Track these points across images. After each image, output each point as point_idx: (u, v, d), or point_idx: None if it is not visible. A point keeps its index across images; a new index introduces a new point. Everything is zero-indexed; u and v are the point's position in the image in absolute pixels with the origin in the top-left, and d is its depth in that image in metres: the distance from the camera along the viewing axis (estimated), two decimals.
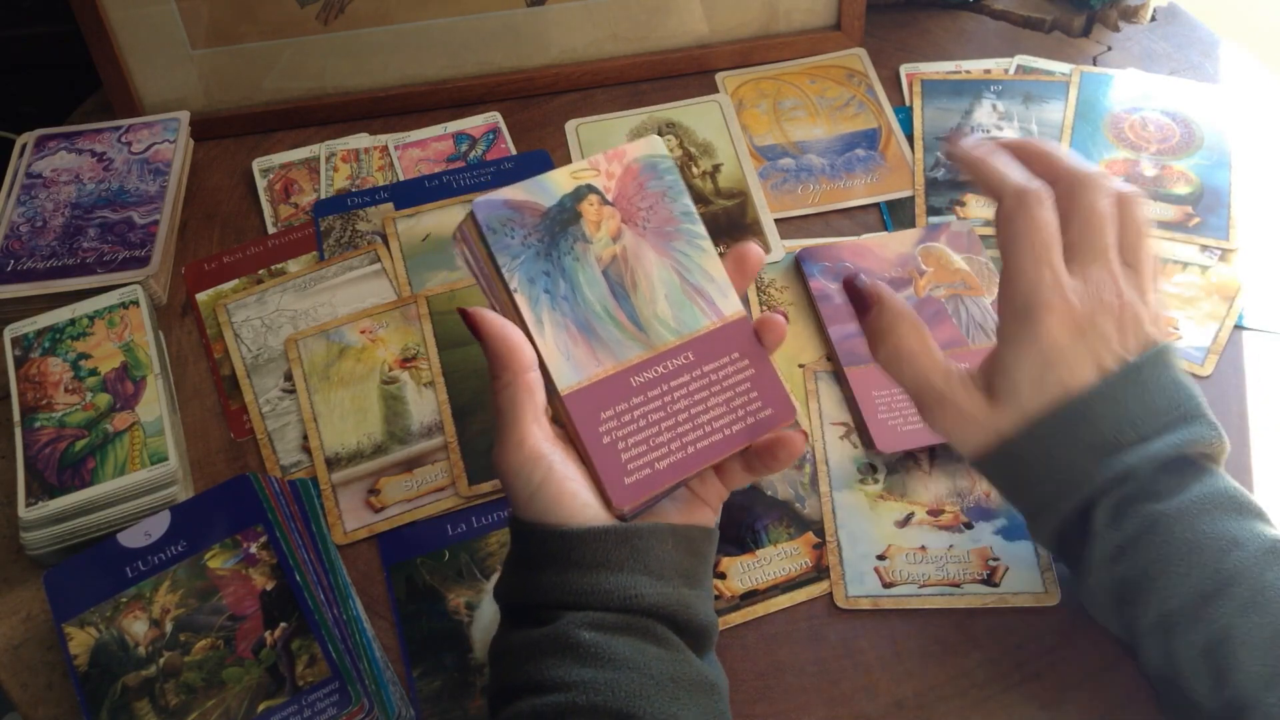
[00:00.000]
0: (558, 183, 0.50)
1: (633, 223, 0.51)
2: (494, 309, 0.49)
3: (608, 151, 0.52)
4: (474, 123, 0.81)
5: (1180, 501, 0.45)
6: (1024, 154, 0.50)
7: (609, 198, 0.51)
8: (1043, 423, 0.47)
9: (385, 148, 0.80)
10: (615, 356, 0.48)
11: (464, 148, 0.80)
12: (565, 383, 0.46)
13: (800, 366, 0.65)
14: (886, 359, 0.50)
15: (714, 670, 0.46)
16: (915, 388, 0.50)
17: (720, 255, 0.51)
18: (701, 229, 0.52)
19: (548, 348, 0.47)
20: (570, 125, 0.80)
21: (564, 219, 0.50)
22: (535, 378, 0.45)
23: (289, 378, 0.66)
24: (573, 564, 0.44)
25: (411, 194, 0.76)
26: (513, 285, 0.47)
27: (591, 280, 0.49)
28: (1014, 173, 0.49)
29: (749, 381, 0.49)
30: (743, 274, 0.50)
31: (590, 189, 0.51)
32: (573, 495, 0.44)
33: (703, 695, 0.44)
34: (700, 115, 0.80)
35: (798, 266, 0.69)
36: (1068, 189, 0.48)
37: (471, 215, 0.48)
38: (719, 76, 0.83)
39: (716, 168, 0.77)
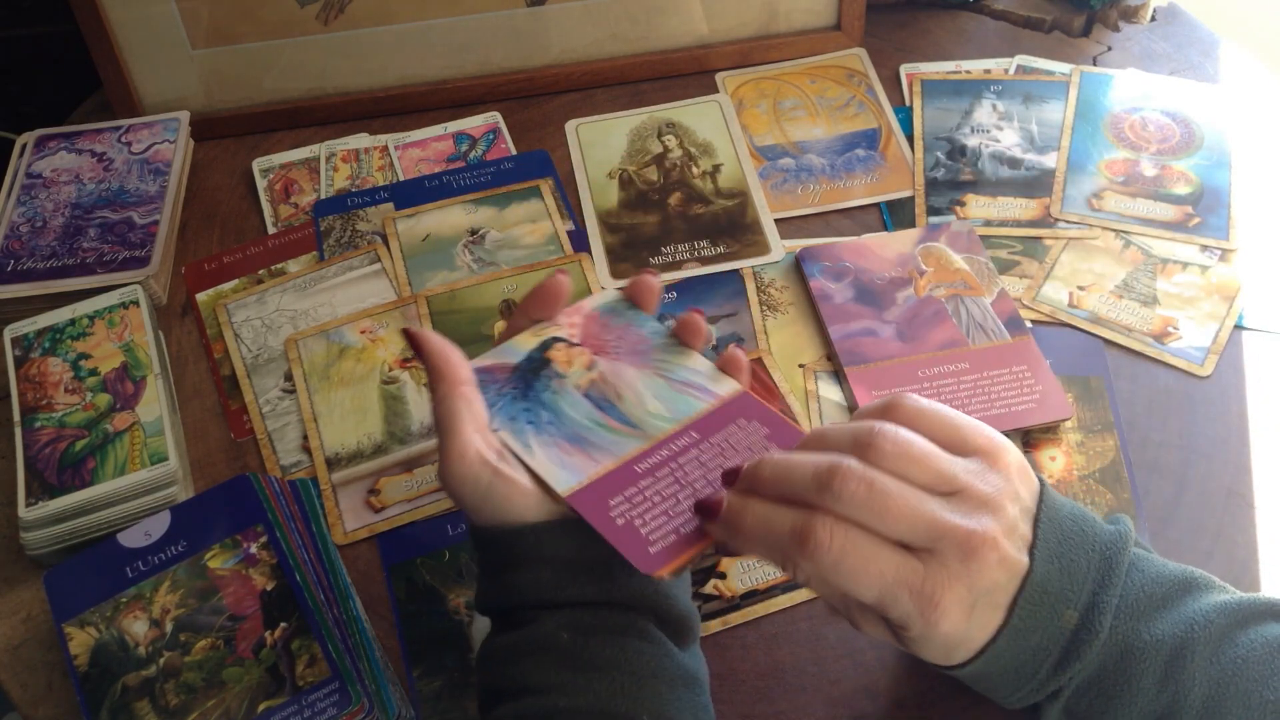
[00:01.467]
0: (523, 343, 0.52)
1: (604, 353, 0.53)
2: None
3: (565, 309, 0.54)
4: (474, 123, 0.81)
5: (1110, 651, 0.42)
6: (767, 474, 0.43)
7: (575, 342, 0.53)
8: (970, 671, 0.43)
9: (385, 148, 0.80)
10: (613, 454, 0.48)
11: (464, 148, 0.80)
12: (563, 486, 0.46)
13: (800, 366, 0.65)
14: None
15: (696, 662, 0.46)
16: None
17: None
18: (673, 338, 0.53)
19: (540, 464, 0.47)
20: (570, 125, 0.80)
21: (534, 367, 0.52)
22: (472, 390, 0.46)
23: (289, 378, 0.66)
24: (544, 561, 0.44)
25: (411, 194, 0.76)
26: (494, 426, 0.48)
27: (574, 403, 0.50)
28: (778, 521, 0.42)
29: (763, 436, 0.49)
30: (733, 373, 0.50)
31: (555, 339, 0.53)
32: (525, 493, 0.44)
33: (684, 689, 0.43)
34: (700, 115, 0.80)
35: (798, 266, 0.69)
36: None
37: None
38: (719, 76, 0.83)
39: (716, 168, 0.77)
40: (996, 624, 0.42)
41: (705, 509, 0.44)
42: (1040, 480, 0.45)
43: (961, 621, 0.41)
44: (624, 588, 0.44)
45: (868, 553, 0.41)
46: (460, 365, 0.46)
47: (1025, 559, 0.42)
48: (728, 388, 0.51)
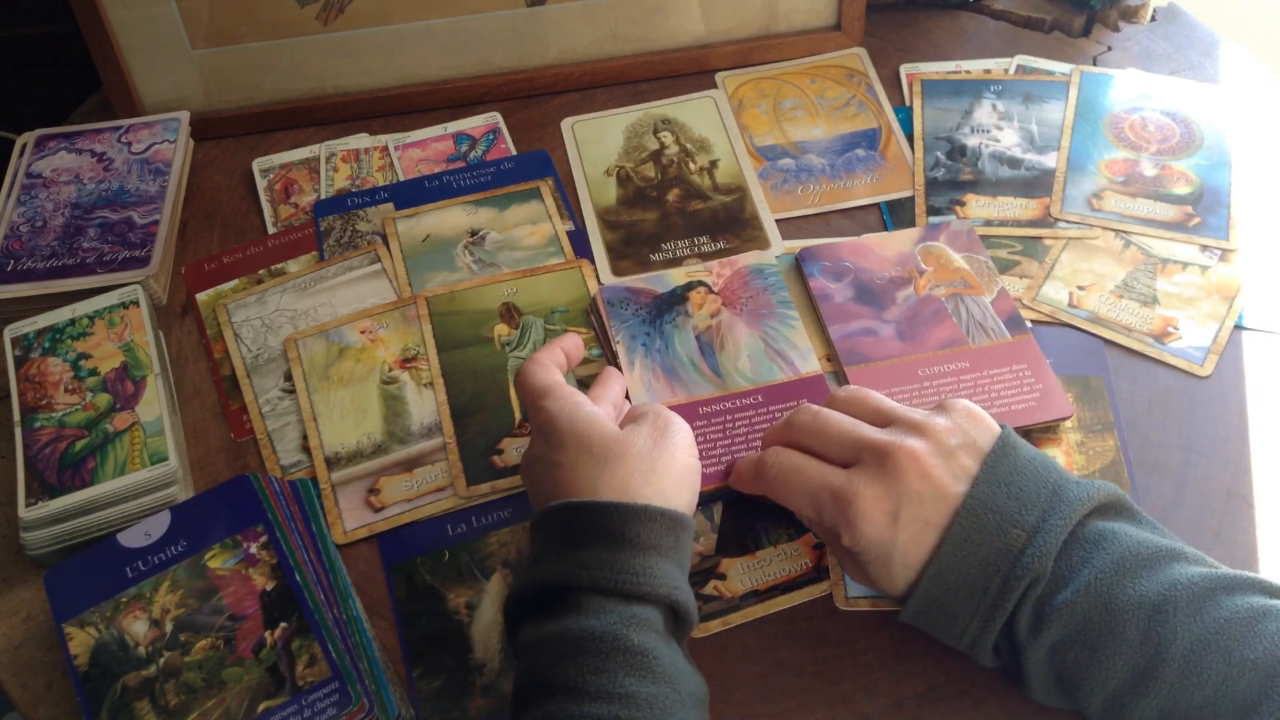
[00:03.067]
0: (673, 278, 0.66)
1: (733, 306, 0.64)
2: (609, 364, 0.63)
3: (721, 260, 0.67)
4: (474, 123, 0.81)
5: (1086, 582, 0.44)
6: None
7: (715, 290, 0.65)
8: (922, 588, 0.46)
9: (385, 148, 0.80)
10: (690, 392, 0.61)
11: (464, 148, 0.80)
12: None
13: None
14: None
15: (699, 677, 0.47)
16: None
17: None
18: (795, 312, 0.64)
19: (633, 380, 0.61)
20: (566, 123, 0.80)
21: (672, 300, 0.64)
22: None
23: (289, 378, 0.66)
24: (626, 542, 0.45)
25: (411, 194, 0.76)
26: (616, 338, 0.63)
27: (684, 340, 0.62)
28: (751, 458, 0.54)
29: None
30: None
31: (701, 283, 0.65)
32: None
33: (704, 710, 0.45)
34: (696, 111, 0.80)
35: (798, 266, 0.69)
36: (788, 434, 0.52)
37: (598, 293, 0.65)
38: (719, 76, 0.83)
39: (713, 163, 0.77)
40: (932, 543, 0.45)
41: (726, 470, 0.57)
42: (1003, 427, 0.48)
43: (884, 525, 0.45)
44: (683, 590, 0.46)
45: (801, 465, 0.49)
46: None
47: (959, 487, 0.45)
48: (810, 368, 0.62)
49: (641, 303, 0.64)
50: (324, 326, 0.68)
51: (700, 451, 0.57)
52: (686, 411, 0.60)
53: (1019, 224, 0.72)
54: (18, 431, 0.61)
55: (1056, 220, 0.72)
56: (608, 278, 0.70)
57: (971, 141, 0.77)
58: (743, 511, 0.59)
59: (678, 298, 0.64)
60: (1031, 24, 0.87)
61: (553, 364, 0.56)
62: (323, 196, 0.77)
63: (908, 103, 0.81)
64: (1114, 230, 0.71)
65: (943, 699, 0.52)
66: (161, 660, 0.51)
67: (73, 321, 0.66)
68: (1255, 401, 0.63)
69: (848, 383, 0.63)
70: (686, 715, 0.42)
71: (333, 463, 0.62)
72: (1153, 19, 0.88)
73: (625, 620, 0.43)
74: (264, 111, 0.81)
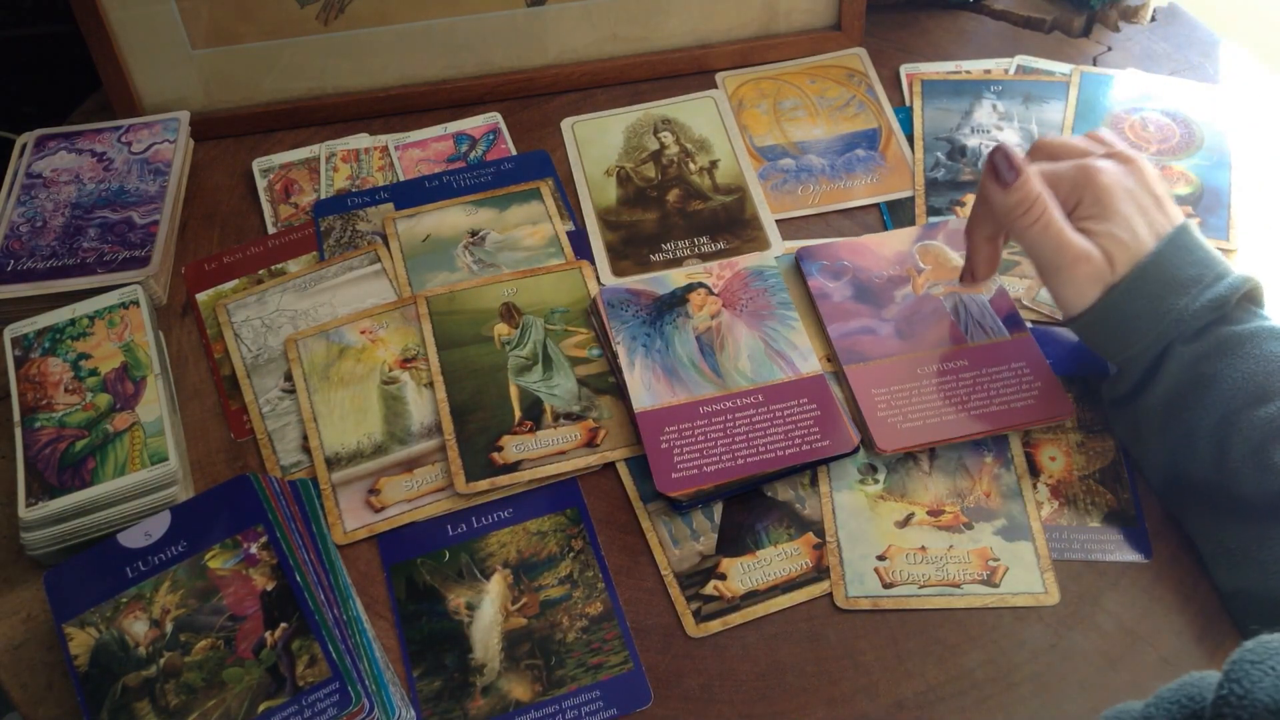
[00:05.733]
0: (673, 279, 0.66)
1: (733, 307, 0.65)
2: (610, 364, 0.63)
3: (721, 261, 0.68)
4: (474, 123, 0.81)
5: (1251, 327, 0.53)
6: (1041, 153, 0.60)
7: (715, 292, 0.65)
8: (1142, 267, 0.54)
9: (385, 148, 0.80)
10: (690, 391, 0.61)
11: (464, 148, 0.80)
12: (639, 405, 0.60)
13: None
14: (1032, 230, 0.56)
15: None
16: (1053, 252, 0.55)
17: None
18: (795, 313, 0.64)
19: (633, 381, 0.61)
20: (566, 123, 0.80)
21: (672, 302, 0.65)
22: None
23: (289, 378, 0.66)
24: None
25: (412, 194, 0.76)
26: (616, 339, 0.63)
27: (684, 341, 0.63)
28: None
29: (813, 420, 0.60)
30: None
31: (701, 284, 0.66)
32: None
33: None
34: (696, 111, 0.80)
35: (796, 265, 0.69)
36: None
37: (598, 295, 0.65)
38: (719, 76, 0.83)
39: (714, 164, 0.77)
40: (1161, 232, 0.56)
41: (1006, 166, 0.56)
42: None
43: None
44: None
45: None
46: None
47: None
48: (810, 368, 0.62)
49: (642, 304, 0.64)
50: (324, 326, 0.68)
51: (700, 451, 0.58)
52: (686, 412, 0.60)
53: None
54: (18, 431, 0.61)
55: None
56: (608, 278, 0.70)
57: (971, 142, 0.77)
58: (743, 511, 0.59)
59: (678, 299, 0.65)
60: (1031, 24, 0.87)
61: None
62: (323, 196, 0.77)
63: (908, 103, 0.81)
64: None
65: (943, 699, 0.52)
66: (162, 660, 0.51)
67: (73, 321, 0.66)
68: None
69: (847, 383, 0.63)
70: None
71: (333, 463, 0.62)
72: (1153, 19, 0.88)
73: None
74: (264, 111, 0.81)
